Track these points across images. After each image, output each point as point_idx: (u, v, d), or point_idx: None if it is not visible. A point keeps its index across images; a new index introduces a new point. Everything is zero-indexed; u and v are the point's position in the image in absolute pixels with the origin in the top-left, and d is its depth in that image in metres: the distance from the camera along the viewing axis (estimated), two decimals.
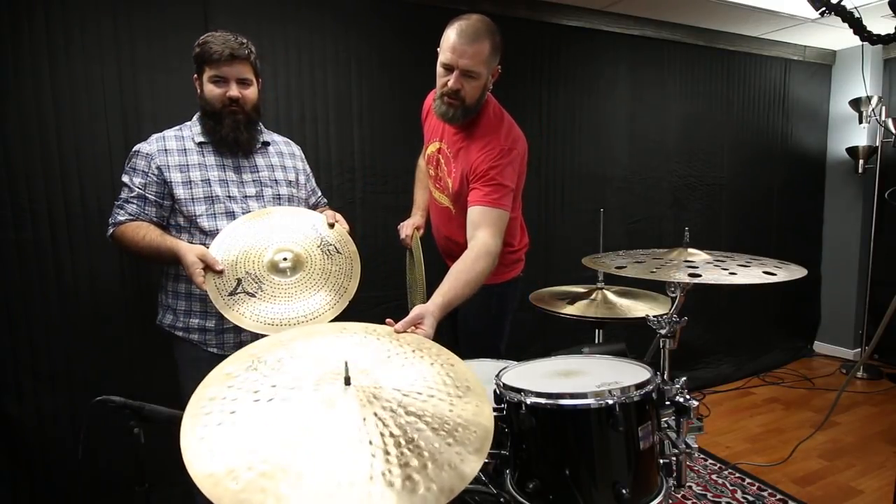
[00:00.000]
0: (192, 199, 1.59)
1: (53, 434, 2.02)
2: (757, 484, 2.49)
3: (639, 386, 1.12)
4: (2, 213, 1.92)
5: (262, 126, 1.75)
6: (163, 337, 1.69)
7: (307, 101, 2.41)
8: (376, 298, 2.54)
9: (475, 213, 1.65)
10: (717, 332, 3.74)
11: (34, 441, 2.01)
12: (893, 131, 3.56)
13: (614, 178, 3.30)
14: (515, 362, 1.39)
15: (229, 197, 1.63)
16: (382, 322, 1.27)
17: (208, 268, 1.47)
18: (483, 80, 1.66)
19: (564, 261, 3.02)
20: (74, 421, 2.03)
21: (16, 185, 1.93)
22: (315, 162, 2.37)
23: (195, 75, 1.62)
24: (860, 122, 3.76)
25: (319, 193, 1.96)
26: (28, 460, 2.01)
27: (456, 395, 0.97)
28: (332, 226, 1.69)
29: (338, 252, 1.64)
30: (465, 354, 1.83)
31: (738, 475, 2.57)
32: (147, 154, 1.59)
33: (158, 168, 1.58)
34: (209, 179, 1.61)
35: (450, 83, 1.63)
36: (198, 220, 1.58)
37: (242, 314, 1.45)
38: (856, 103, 3.74)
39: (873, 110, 3.68)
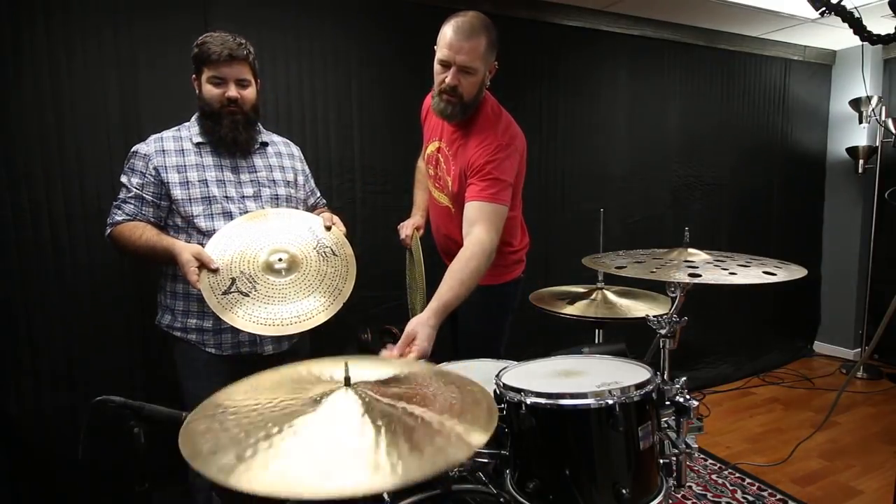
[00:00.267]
0: (190, 199, 1.59)
1: (53, 434, 2.02)
2: (757, 484, 2.49)
3: (639, 386, 1.12)
4: (2, 213, 1.92)
5: (260, 126, 1.76)
6: (162, 337, 1.69)
7: (307, 101, 2.41)
8: (376, 298, 2.54)
9: (471, 209, 1.64)
10: (717, 332, 3.74)
11: (34, 441, 2.01)
12: (893, 131, 3.56)
13: (614, 178, 3.30)
14: (515, 362, 1.38)
15: (227, 197, 1.63)
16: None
17: (203, 266, 1.47)
18: (480, 76, 1.66)
19: (564, 261, 3.02)
20: (74, 421, 2.03)
21: (16, 185, 1.93)
22: (315, 162, 2.37)
23: (193, 76, 1.62)
24: (860, 122, 3.76)
25: (318, 194, 1.96)
26: (28, 460, 2.01)
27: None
28: (329, 228, 1.69)
29: (334, 254, 1.64)
30: (464, 354, 1.85)
31: (738, 475, 2.57)
32: (145, 155, 1.59)
33: (156, 169, 1.58)
34: (206, 180, 1.61)
35: (447, 80, 1.64)
36: (195, 221, 1.59)
37: (236, 314, 1.45)
38: (856, 103, 3.74)
39: (873, 110, 3.68)
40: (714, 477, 2.55)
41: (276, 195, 1.72)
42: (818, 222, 4.23)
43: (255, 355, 1.67)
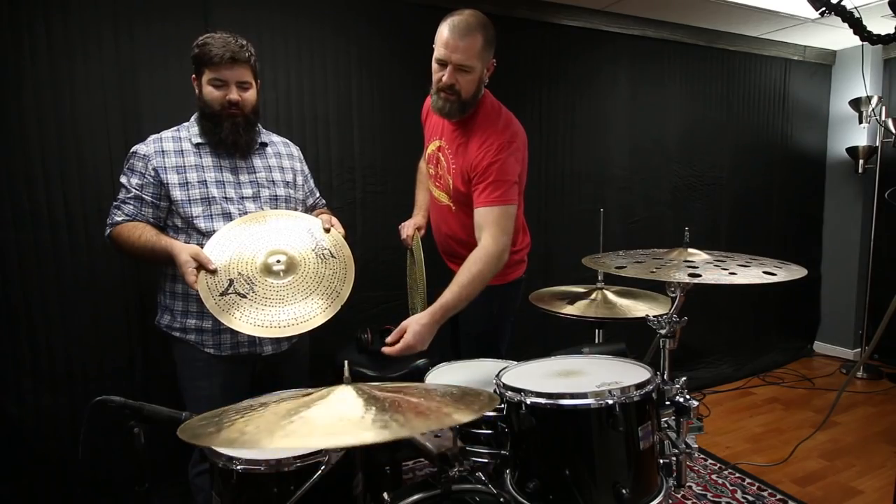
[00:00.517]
0: (189, 200, 1.59)
1: (53, 434, 2.02)
2: (757, 484, 2.49)
3: (639, 386, 1.12)
4: (2, 213, 1.92)
5: (260, 127, 1.75)
6: (162, 337, 1.69)
7: (307, 101, 2.41)
8: (376, 298, 2.55)
9: (478, 215, 1.67)
10: (717, 332, 3.74)
11: (34, 441, 2.01)
12: (893, 131, 3.56)
13: (614, 178, 3.30)
14: (515, 362, 1.39)
15: (226, 198, 1.62)
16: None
17: (201, 267, 1.47)
18: (477, 73, 1.67)
19: (564, 261, 3.02)
20: (74, 421, 2.02)
21: (16, 186, 1.93)
22: (315, 162, 2.37)
23: (193, 76, 1.62)
24: (860, 122, 3.75)
25: (318, 194, 1.96)
26: (28, 460, 2.01)
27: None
28: (328, 230, 1.69)
29: (332, 256, 1.64)
30: (465, 354, 1.85)
31: (738, 475, 2.57)
32: (144, 155, 1.59)
33: (155, 170, 1.57)
34: (206, 181, 1.61)
35: (444, 78, 1.65)
36: (195, 222, 1.58)
37: (233, 315, 1.45)
38: (856, 103, 3.73)
39: (873, 110, 3.68)
40: (714, 477, 2.55)
41: (276, 195, 1.71)
42: (818, 222, 4.23)
43: (254, 356, 1.67)
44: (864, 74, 3.56)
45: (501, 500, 1.15)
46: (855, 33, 1.62)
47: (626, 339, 1.72)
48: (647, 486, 1.13)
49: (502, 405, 1.16)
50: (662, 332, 1.34)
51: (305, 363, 1.87)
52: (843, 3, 1.61)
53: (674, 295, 1.33)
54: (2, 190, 1.92)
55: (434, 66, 1.69)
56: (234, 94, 1.58)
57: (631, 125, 3.32)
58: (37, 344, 2.00)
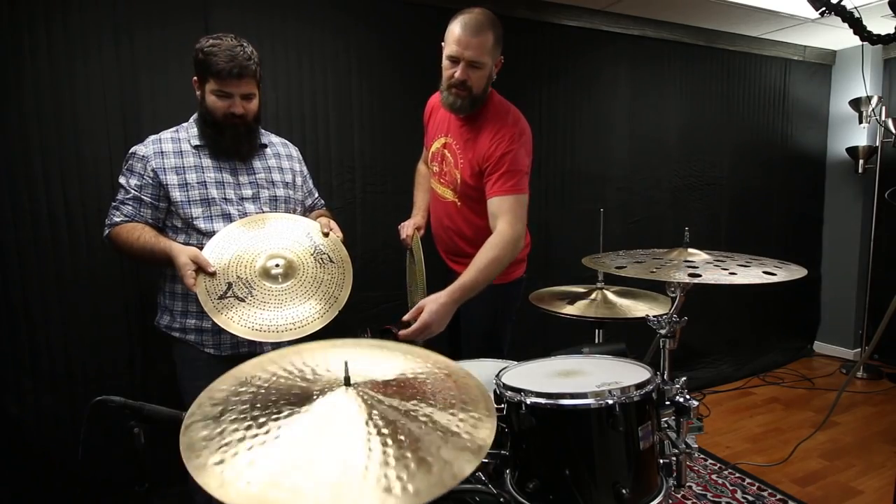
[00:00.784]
0: (189, 201, 1.58)
1: (53, 434, 2.02)
2: (757, 484, 2.49)
3: (639, 386, 1.12)
4: (2, 212, 1.92)
5: (259, 127, 1.75)
6: (162, 337, 1.69)
7: (307, 101, 2.41)
8: (376, 298, 2.55)
9: (493, 204, 1.71)
10: (717, 332, 3.74)
11: (34, 441, 2.01)
12: (893, 131, 3.56)
13: (614, 178, 3.30)
14: (515, 362, 1.38)
15: (225, 199, 1.62)
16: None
17: (200, 269, 1.47)
18: (488, 69, 1.72)
19: (564, 261, 3.02)
20: (74, 421, 2.03)
21: (16, 186, 1.93)
22: (315, 162, 2.37)
23: (195, 78, 1.61)
24: (860, 122, 3.76)
25: (317, 195, 1.95)
26: (28, 460, 2.01)
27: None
28: (326, 234, 1.69)
29: (331, 261, 1.64)
30: (466, 354, 1.85)
31: (738, 475, 2.57)
32: (143, 156, 1.58)
33: (154, 171, 1.57)
34: (205, 182, 1.61)
35: (456, 74, 1.69)
36: (194, 223, 1.58)
37: (231, 318, 1.44)
38: (856, 103, 3.74)
39: (873, 110, 3.68)
40: (714, 477, 2.55)
41: (275, 196, 1.71)
42: (818, 222, 4.23)
43: (253, 356, 1.65)
44: (864, 74, 3.56)
45: (501, 499, 1.15)
46: (855, 33, 1.62)
47: (626, 339, 1.72)
48: (647, 486, 1.13)
49: (502, 405, 1.16)
50: (662, 332, 1.34)
51: None
52: (843, 3, 1.61)
53: (674, 295, 1.34)
54: (2, 190, 1.92)
55: (445, 62, 1.72)
56: (238, 108, 1.57)
57: (631, 125, 3.32)
58: (37, 344, 2.00)
